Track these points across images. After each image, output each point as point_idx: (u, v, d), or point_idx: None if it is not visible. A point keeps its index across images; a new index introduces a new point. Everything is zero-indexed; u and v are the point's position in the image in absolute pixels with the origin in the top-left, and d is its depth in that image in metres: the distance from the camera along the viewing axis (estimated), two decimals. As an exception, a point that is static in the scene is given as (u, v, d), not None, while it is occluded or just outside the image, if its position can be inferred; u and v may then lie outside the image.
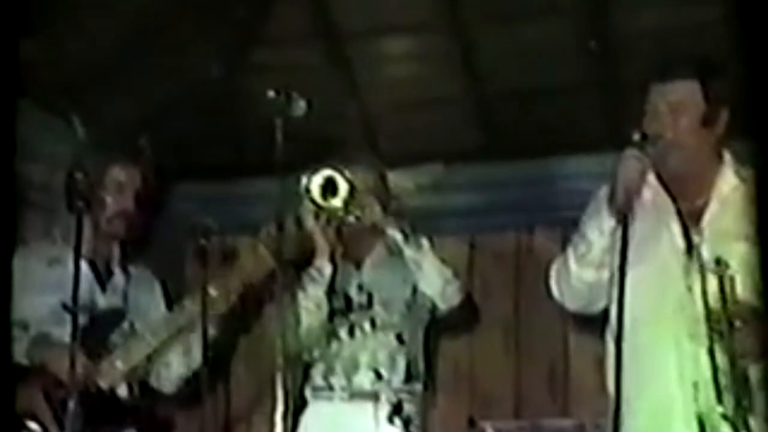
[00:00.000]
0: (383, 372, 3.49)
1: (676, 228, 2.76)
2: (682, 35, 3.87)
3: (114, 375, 3.23)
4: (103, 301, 3.36)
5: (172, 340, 3.34)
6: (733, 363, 2.58)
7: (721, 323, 2.59)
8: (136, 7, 3.89)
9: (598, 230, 2.73)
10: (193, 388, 3.45)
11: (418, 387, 3.55)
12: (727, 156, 2.79)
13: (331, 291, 3.52)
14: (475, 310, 4.35)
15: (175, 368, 3.43)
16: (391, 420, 3.43)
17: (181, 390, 3.50)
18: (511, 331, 4.64)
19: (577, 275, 2.84)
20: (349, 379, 3.50)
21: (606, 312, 2.87)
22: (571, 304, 2.99)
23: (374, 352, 3.51)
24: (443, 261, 3.47)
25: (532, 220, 4.65)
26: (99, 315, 3.29)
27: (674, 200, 2.79)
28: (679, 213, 2.78)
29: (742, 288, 2.59)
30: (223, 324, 3.37)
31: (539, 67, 4.32)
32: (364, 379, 3.49)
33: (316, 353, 3.58)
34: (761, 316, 2.46)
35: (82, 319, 3.07)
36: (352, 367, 3.50)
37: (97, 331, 3.22)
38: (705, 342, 2.62)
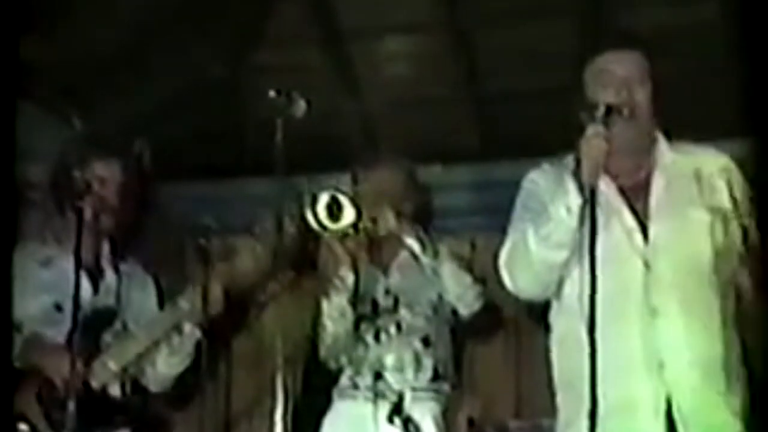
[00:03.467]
0: (409, 373, 3.51)
1: (624, 209, 2.74)
2: (682, 34, 3.87)
3: (106, 375, 3.22)
4: (95, 301, 3.35)
5: (165, 338, 3.34)
6: (715, 336, 2.62)
7: (691, 292, 2.62)
8: (136, 7, 3.89)
9: (565, 208, 2.64)
10: (185, 388, 3.45)
11: (446, 387, 3.57)
12: (657, 132, 2.83)
13: (356, 298, 3.54)
14: (500, 315, 4.33)
15: (160, 367, 3.41)
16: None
17: (169, 389, 3.49)
18: (511, 331, 4.63)
19: (542, 258, 2.72)
20: (374, 379, 3.51)
21: (547, 301, 2.85)
22: (527, 292, 2.85)
23: (400, 354, 3.53)
24: (461, 267, 3.48)
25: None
26: (91, 315, 3.28)
27: (615, 178, 2.78)
28: (621, 191, 2.77)
29: (702, 255, 2.64)
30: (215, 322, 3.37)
31: (539, 67, 4.32)
32: (389, 380, 3.51)
33: (344, 359, 3.60)
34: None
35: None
36: (378, 369, 3.52)
37: (89, 331, 3.21)
38: (673, 315, 2.61)
